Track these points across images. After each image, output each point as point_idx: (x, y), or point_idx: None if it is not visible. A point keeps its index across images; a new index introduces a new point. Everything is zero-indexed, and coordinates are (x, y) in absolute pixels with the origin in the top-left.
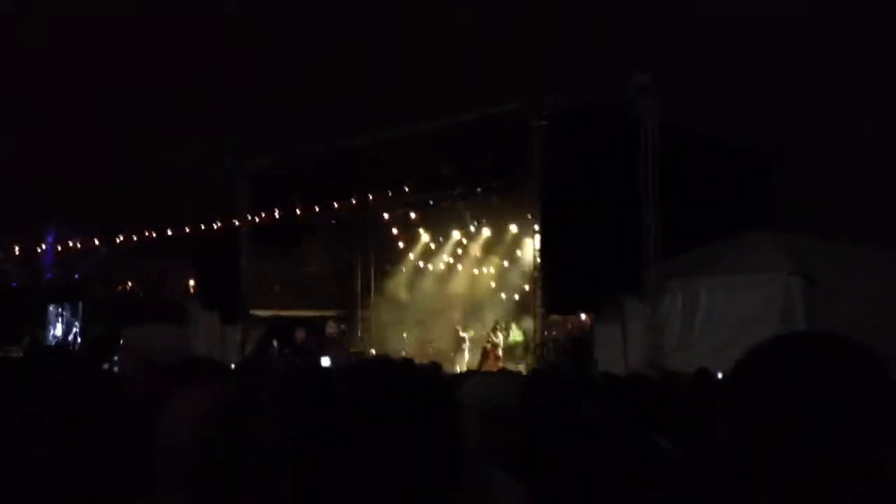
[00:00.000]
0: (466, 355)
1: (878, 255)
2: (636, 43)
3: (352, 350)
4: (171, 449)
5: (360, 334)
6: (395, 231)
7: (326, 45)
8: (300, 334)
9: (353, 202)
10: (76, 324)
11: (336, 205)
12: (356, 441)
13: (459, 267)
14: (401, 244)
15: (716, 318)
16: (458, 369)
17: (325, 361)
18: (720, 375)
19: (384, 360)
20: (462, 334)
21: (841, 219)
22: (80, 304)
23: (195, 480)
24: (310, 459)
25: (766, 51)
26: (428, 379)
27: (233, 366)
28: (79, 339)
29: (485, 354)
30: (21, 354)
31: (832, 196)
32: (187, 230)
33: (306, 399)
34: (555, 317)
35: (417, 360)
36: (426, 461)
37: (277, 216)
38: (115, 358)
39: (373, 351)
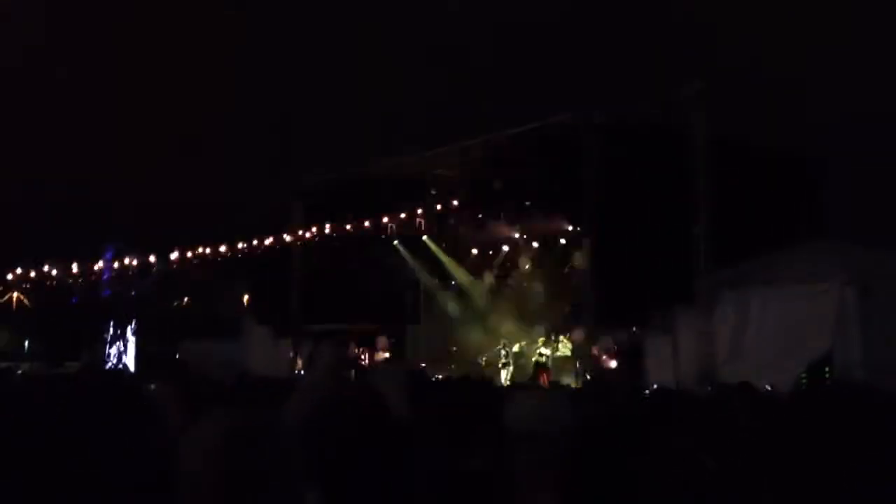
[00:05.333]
0: (510, 369)
1: None
2: (684, 52)
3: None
4: (188, 478)
5: (409, 347)
6: (444, 245)
7: (372, 62)
8: (352, 348)
9: (403, 217)
10: (133, 340)
11: (386, 220)
12: (397, 462)
13: (509, 280)
14: (451, 258)
15: (768, 329)
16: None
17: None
18: (769, 387)
19: (431, 381)
20: (502, 350)
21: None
22: (137, 320)
23: None
24: (342, 482)
25: (816, 58)
26: (478, 399)
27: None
28: (134, 356)
29: (537, 368)
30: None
31: (888, 206)
32: (242, 246)
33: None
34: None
35: (466, 374)
36: (474, 482)
37: (330, 232)
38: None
39: (423, 365)
